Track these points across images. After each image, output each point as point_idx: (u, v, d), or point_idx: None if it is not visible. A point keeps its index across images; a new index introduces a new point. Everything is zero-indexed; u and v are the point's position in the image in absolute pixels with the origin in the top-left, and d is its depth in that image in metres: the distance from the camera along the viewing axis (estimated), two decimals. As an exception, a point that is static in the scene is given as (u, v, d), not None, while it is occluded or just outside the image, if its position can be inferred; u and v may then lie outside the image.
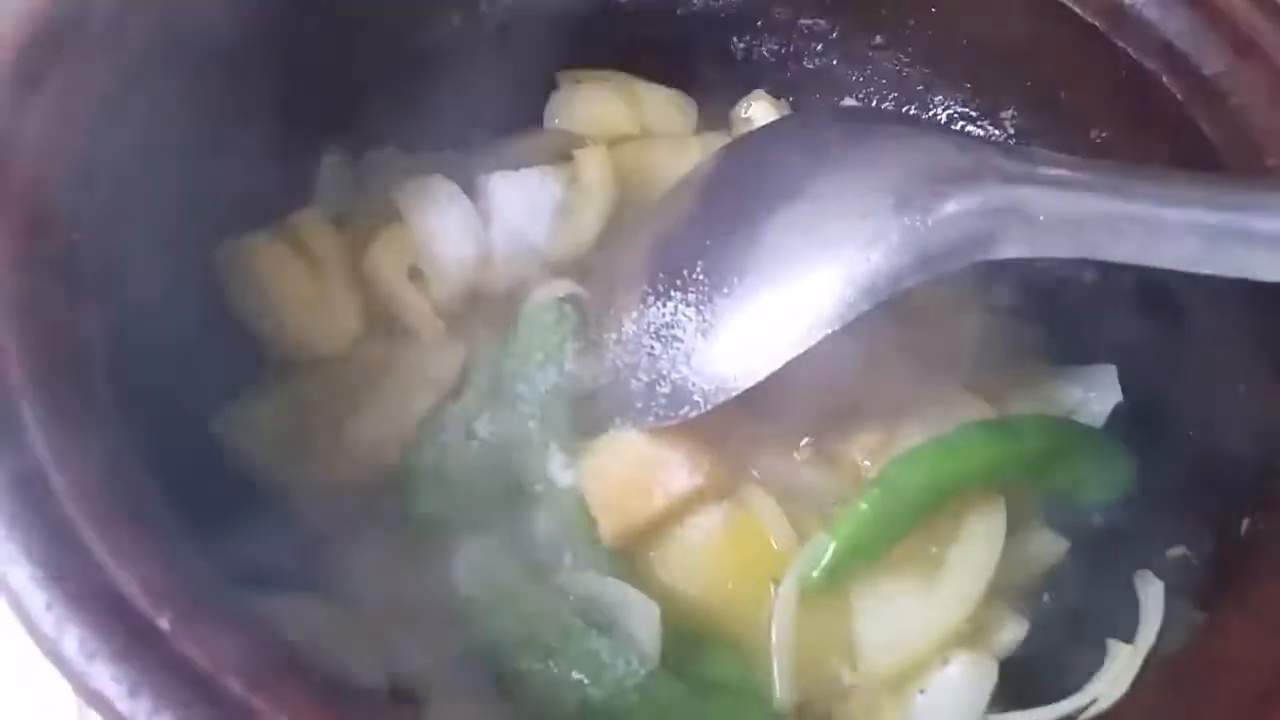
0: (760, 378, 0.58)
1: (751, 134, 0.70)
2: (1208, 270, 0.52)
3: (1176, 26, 0.63)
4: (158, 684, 0.37)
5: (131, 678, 0.37)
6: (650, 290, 0.63)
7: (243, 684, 0.38)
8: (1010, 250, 0.54)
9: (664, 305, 0.62)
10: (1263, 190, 0.54)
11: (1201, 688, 0.40)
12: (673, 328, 0.61)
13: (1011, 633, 0.59)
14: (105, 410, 0.45)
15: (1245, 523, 0.53)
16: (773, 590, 0.58)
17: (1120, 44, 0.65)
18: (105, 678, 0.37)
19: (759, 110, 0.77)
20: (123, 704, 0.36)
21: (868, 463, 0.62)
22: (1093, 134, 0.68)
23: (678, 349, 0.60)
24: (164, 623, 0.39)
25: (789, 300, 0.57)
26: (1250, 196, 0.54)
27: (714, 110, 0.79)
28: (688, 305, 0.61)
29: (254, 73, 0.64)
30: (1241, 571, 0.47)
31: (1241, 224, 0.52)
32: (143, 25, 0.58)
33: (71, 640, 0.37)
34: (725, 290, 0.60)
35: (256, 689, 0.38)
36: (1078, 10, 0.66)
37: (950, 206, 0.55)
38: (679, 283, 0.62)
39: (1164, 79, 0.63)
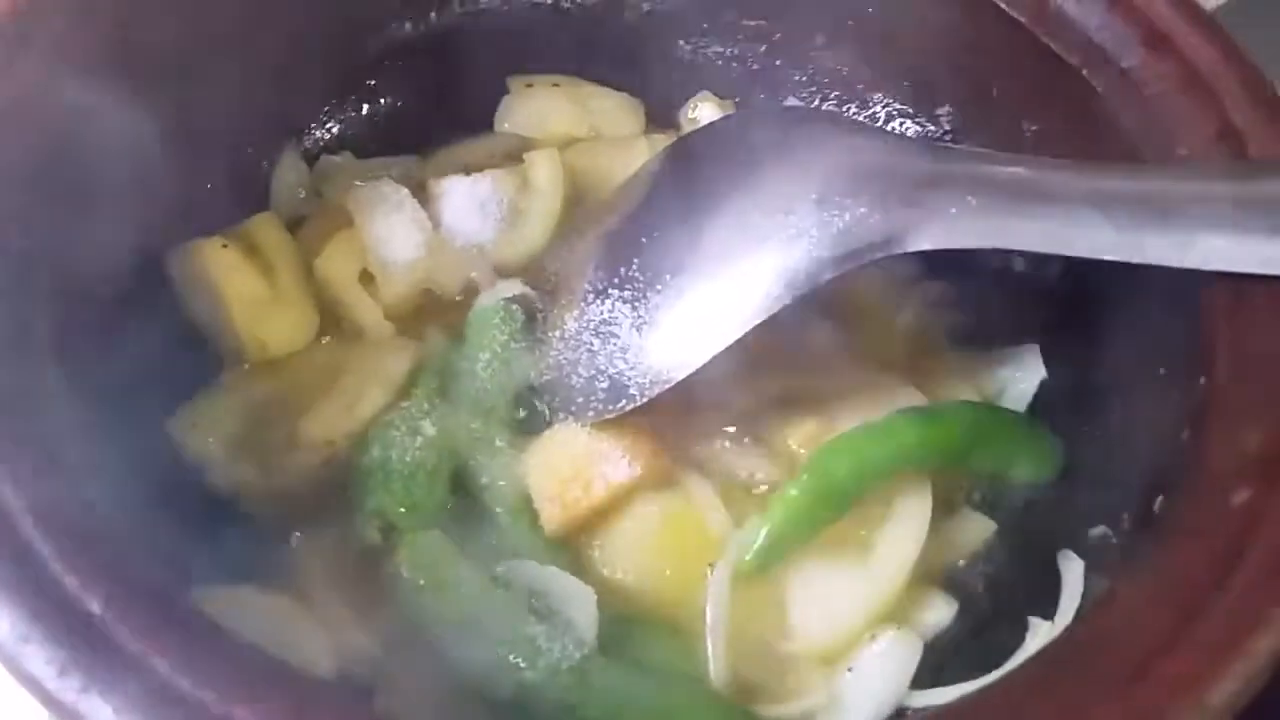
0: (693, 369, 0.60)
1: (689, 135, 0.72)
2: (1121, 258, 0.54)
3: (1095, 21, 0.65)
4: (87, 664, 0.39)
5: (61, 659, 0.39)
6: (590, 288, 0.65)
7: (170, 665, 0.40)
8: (927, 243, 0.56)
9: (603, 302, 0.64)
10: (1171, 179, 0.56)
11: (1081, 661, 0.42)
12: (610, 324, 0.63)
13: (939, 612, 0.60)
14: (49, 400, 0.48)
15: (1159, 501, 0.54)
16: (709, 575, 0.60)
17: (1045, 40, 0.66)
18: (39, 660, 0.39)
19: (705, 111, 0.79)
20: (52, 684, 0.38)
21: (804, 450, 0.64)
22: (1024, 127, 0.70)
23: (615, 344, 0.63)
24: (95, 607, 0.41)
25: (717, 294, 0.59)
26: (1159, 185, 0.56)
27: (662, 111, 0.81)
28: (624, 302, 0.63)
29: (209, 80, 0.67)
30: (1145, 548, 0.49)
31: (1150, 213, 0.54)
32: (96, 30, 0.60)
33: (4, 624, 0.39)
34: (659, 286, 0.62)
35: (186, 671, 0.40)
36: (1006, 8, 0.68)
37: (868, 202, 0.57)
38: (616, 280, 0.64)
39: (1085, 72, 0.65)
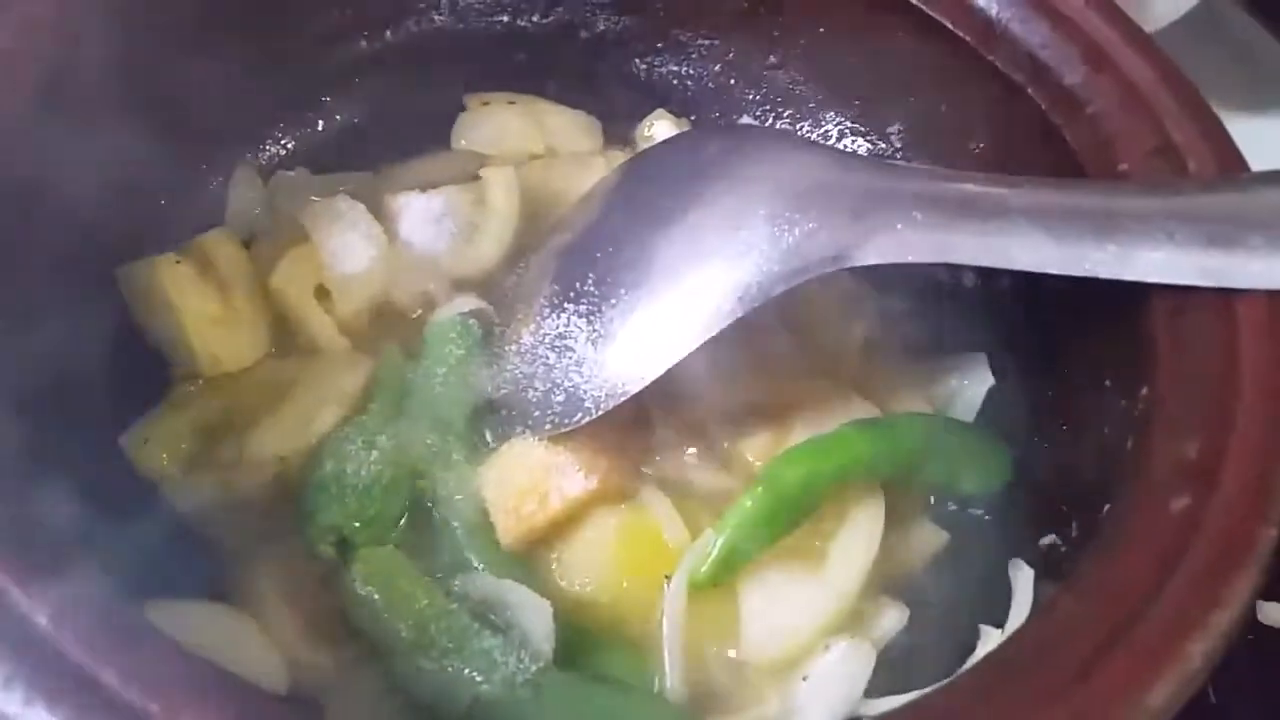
0: (646, 382, 0.60)
1: (643, 153, 0.73)
2: (1063, 271, 0.55)
3: (1039, 41, 0.66)
4: (30, 676, 0.38)
5: (5, 671, 0.38)
6: (546, 303, 0.66)
7: (118, 676, 0.40)
8: (874, 257, 0.57)
9: (558, 317, 0.64)
10: (1111, 194, 0.58)
11: (1023, 666, 0.43)
12: (565, 338, 0.64)
13: (892, 620, 0.61)
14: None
15: (1105, 509, 0.55)
16: (666, 587, 0.60)
17: (991, 58, 0.68)
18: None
19: (661, 128, 0.80)
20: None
21: (759, 462, 0.65)
22: (971, 144, 0.71)
23: (571, 358, 0.63)
24: (43, 619, 0.41)
25: (670, 308, 0.60)
26: (1099, 200, 0.57)
27: (618, 129, 0.82)
28: (580, 316, 0.63)
29: (163, 96, 0.67)
30: (1088, 555, 0.49)
31: (1090, 227, 0.55)
32: (45, 46, 0.60)
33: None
34: (613, 301, 0.62)
35: (134, 682, 0.40)
36: (953, 28, 0.69)
37: (816, 217, 0.58)
38: (572, 295, 0.64)
39: (1030, 90, 0.66)
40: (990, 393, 0.68)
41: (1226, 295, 0.53)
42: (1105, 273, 0.55)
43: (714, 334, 0.58)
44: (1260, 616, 0.66)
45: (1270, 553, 0.45)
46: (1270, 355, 0.51)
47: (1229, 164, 0.59)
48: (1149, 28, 0.87)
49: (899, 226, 0.56)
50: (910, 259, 0.57)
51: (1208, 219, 0.54)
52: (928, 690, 0.49)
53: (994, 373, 0.69)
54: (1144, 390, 0.55)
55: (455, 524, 0.62)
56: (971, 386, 0.68)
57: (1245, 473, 0.47)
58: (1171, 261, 0.53)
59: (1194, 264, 0.53)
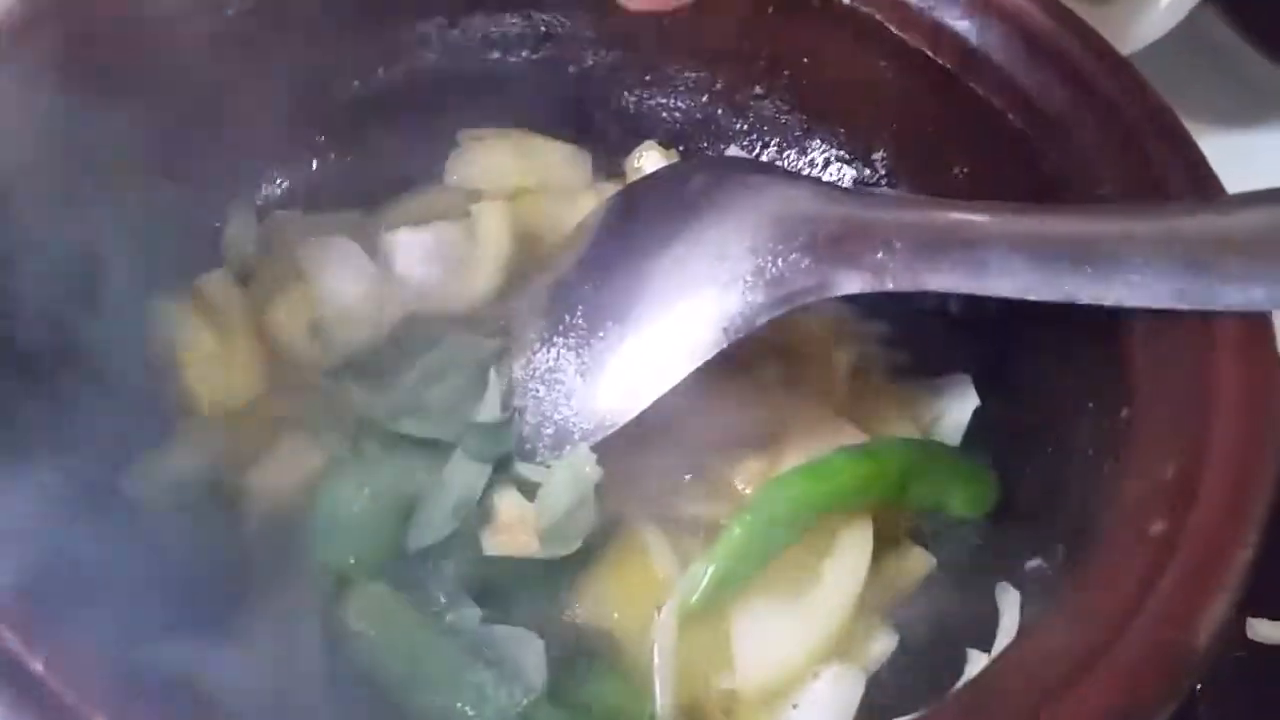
0: (634, 414, 0.61)
1: (630, 186, 0.74)
2: (1042, 297, 0.56)
3: (1020, 67, 0.67)
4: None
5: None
6: (536, 337, 0.67)
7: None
8: (855, 286, 0.58)
9: (548, 350, 0.65)
10: (1089, 220, 0.58)
11: (997, 692, 0.43)
12: (555, 371, 0.65)
13: (881, 646, 0.62)
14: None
15: (1089, 530, 0.56)
16: (657, 617, 0.61)
17: (972, 85, 0.69)
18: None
19: (650, 159, 0.81)
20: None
21: (749, 489, 0.66)
22: (955, 170, 0.72)
23: (560, 391, 0.64)
24: (38, 666, 0.42)
25: (657, 340, 0.61)
26: (1077, 226, 0.58)
27: (608, 161, 0.82)
28: (569, 349, 0.65)
29: (159, 137, 0.68)
30: (1066, 580, 0.50)
31: (1069, 252, 0.56)
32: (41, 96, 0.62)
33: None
34: (601, 334, 0.63)
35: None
36: (933, 55, 0.70)
37: (799, 248, 0.59)
38: (561, 328, 0.65)
39: (1011, 116, 0.67)
40: (977, 415, 0.69)
41: (1204, 317, 0.54)
42: (1084, 298, 0.55)
43: (700, 364, 0.59)
44: (1249, 633, 0.66)
45: (1246, 574, 0.46)
46: (1245, 377, 0.51)
47: (1205, 188, 0.59)
48: (1133, 46, 0.89)
49: (879, 255, 0.57)
50: (891, 287, 0.57)
51: (1184, 242, 0.55)
52: (913, 716, 0.50)
53: (980, 395, 0.69)
54: (1124, 412, 0.55)
55: (447, 558, 0.63)
56: (957, 408, 0.69)
57: (1221, 495, 0.47)
58: (1148, 285, 0.54)
59: (1171, 288, 0.54)
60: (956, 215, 0.58)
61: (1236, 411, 0.50)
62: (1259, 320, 0.53)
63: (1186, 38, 0.90)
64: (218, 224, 0.75)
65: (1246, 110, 0.98)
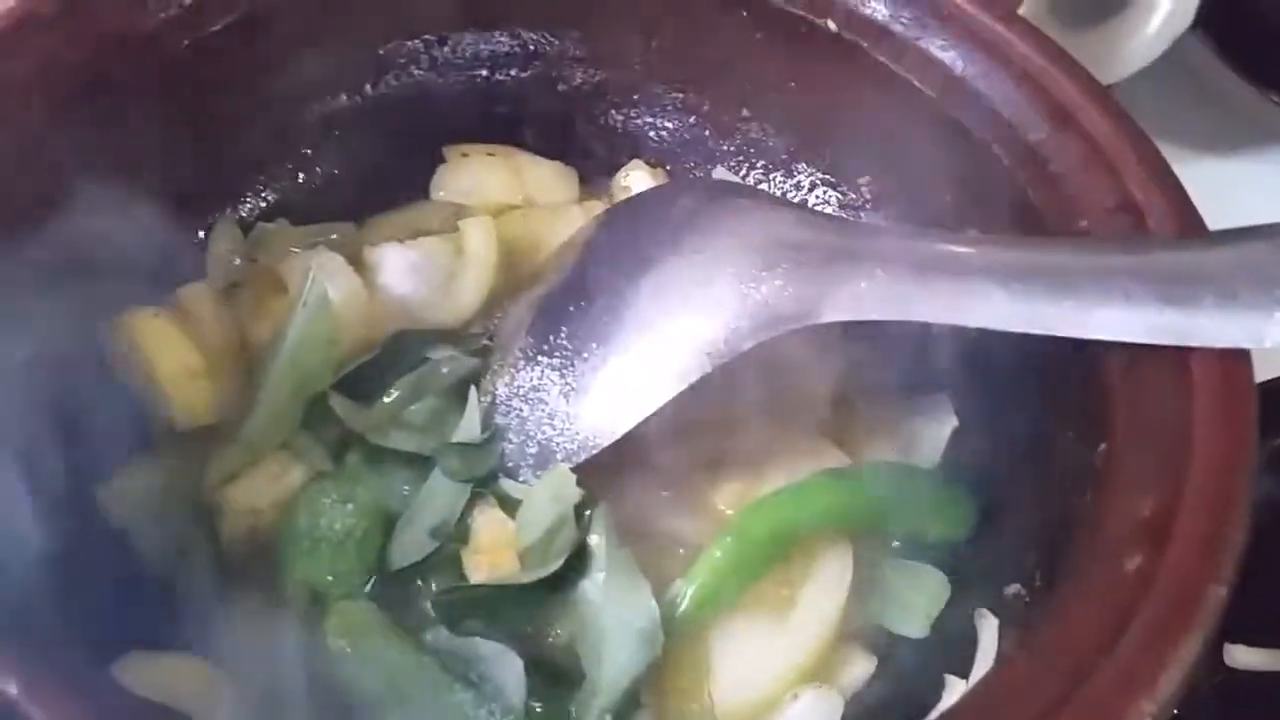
0: (618, 435, 0.62)
1: (617, 206, 0.74)
2: (1020, 329, 0.56)
3: (1003, 98, 0.67)
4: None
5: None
6: (521, 355, 0.67)
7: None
8: (837, 314, 0.58)
9: (533, 369, 0.66)
10: (1068, 252, 0.59)
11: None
12: (539, 391, 0.65)
13: (860, 670, 0.62)
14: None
15: (1066, 561, 0.56)
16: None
17: (956, 115, 0.69)
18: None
19: (637, 178, 0.81)
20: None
21: (731, 511, 0.66)
22: (939, 197, 0.72)
23: (544, 411, 0.64)
24: (12, 689, 0.41)
25: (641, 362, 0.61)
26: (1056, 258, 0.58)
27: (595, 180, 0.83)
28: (553, 369, 0.65)
29: (143, 147, 0.68)
30: (1042, 611, 0.50)
31: (1047, 285, 0.56)
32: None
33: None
34: (585, 355, 0.64)
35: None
36: (919, 85, 0.71)
37: (782, 275, 0.59)
38: (546, 347, 0.66)
39: (994, 147, 0.68)
40: (956, 440, 0.69)
41: (1182, 352, 0.54)
42: (1063, 330, 0.56)
43: (683, 388, 0.60)
44: (1227, 659, 0.67)
45: (1221, 610, 0.46)
46: (1221, 412, 0.51)
47: (1187, 222, 0.60)
48: (1118, 75, 0.89)
49: (862, 285, 0.58)
50: (873, 316, 0.58)
51: (1162, 277, 0.55)
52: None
53: (959, 418, 0.70)
54: (1102, 446, 0.56)
55: (427, 576, 0.63)
56: (936, 427, 0.69)
57: (1196, 531, 0.48)
58: (1126, 319, 0.54)
59: (1148, 322, 0.54)
60: (939, 247, 0.59)
61: (1211, 448, 0.50)
62: (1237, 356, 0.53)
63: (1172, 66, 0.91)
64: (202, 235, 0.75)
65: (1231, 139, 0.99)
